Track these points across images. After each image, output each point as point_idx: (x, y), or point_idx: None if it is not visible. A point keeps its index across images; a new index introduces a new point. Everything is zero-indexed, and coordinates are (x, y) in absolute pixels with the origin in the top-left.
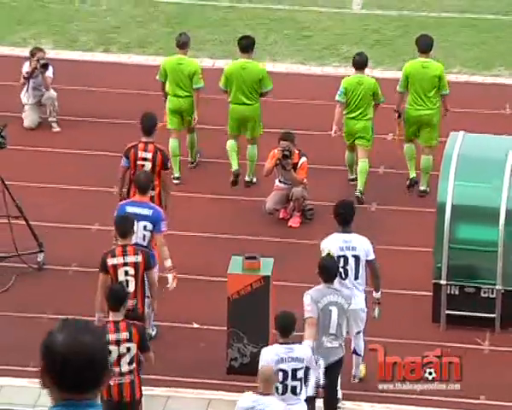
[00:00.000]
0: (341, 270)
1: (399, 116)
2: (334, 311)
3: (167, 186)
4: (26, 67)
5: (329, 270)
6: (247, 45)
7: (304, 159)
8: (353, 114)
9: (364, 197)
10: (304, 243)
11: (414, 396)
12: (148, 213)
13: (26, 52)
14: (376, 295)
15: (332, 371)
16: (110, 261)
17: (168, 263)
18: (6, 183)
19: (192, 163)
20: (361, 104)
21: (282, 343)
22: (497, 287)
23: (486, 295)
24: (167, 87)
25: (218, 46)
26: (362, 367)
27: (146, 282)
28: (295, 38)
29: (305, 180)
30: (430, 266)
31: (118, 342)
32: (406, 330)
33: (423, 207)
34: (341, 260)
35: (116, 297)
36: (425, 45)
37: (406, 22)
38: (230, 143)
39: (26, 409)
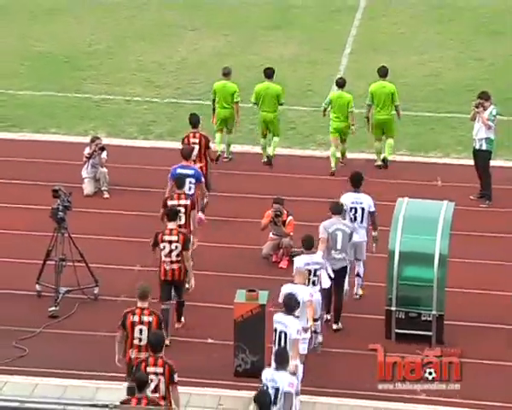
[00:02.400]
0: (352, 216)
1: (368, 120)
2: (340, 234)
3: (211, 158)
4: (87, 150)
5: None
6: (270, 73)
7: (290, 217)
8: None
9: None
10: (290, 279)
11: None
12: (191, 172)
13: (87, 139)
14: (374, 233)
15: (339, 274)
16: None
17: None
18: (72, 235)
19: (227, 157)
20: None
21: (306, 254)
22: (432, 312)
23: (425, 318)
24: (216, 102)
25: None
26: (360, 289)
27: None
28: (284, 129)
29: (291, 233)
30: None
31: (170, 242)
32: (364, 343)
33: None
34: (353, 209)
35: None
36: (383, 73)
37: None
38: (262, 140)
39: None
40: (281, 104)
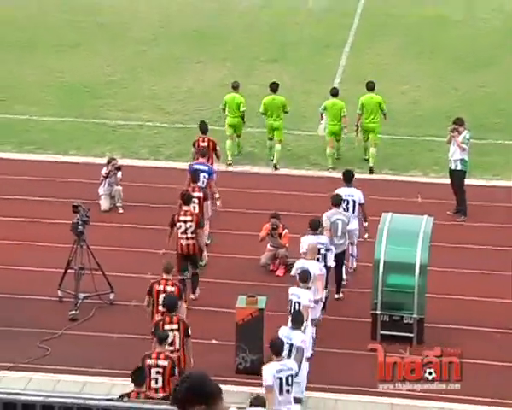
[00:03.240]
0: (345, 207)
1: (357, 128)
2: (340, 223)
3: (217, 156)
4: (104, 170)
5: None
6: (275, 87)
7: (286, 230)
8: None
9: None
10: (286, 286)
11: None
12: (205, 168)
13: (103, 161)
14: (365, 224)
15: (340, 257)
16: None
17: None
18: (90, 247)
19: (238, 153)
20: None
21: (313, 234)
22: (414, 316)
23: (407, 321)
24: (226, 111)
25: None
26: (355, 263)
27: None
28: (281, 152)
29: (287, 245)
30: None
31: (185, 222)
32: (354, 344)
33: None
34: (345, 202)
35: None
36: (370, 87)
37: (350, 159)
38: (268, 143)
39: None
40: (286, 112)
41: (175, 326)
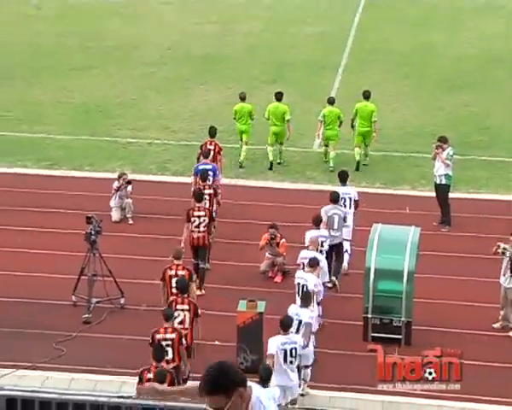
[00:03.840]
0: (343, 204)
1: (353, 128)
2: (336, 217)
3: (221, 160)
4: (116, 184)
5: (335, 195)
6: (279, 97)
7: (283, 240)
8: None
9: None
10: (283, 291)
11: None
12: (210, 167)
13: (115, 175)
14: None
15: (338, 248)
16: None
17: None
18: (102, 255)
19: (279, 163)
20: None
21: (315, 229)
22: (402, 319)
23: (396, 324)
24: (236, 120)
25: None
26: (347, 264)
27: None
28: (278, 166)
29: (284, 253)
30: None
31: (199, 217)
32: (347, 345)
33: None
34: (343, 199)
35: None
36: (366, 95)
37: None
38: (271, 148)
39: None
40: (287, 120)
41: (186, 307)
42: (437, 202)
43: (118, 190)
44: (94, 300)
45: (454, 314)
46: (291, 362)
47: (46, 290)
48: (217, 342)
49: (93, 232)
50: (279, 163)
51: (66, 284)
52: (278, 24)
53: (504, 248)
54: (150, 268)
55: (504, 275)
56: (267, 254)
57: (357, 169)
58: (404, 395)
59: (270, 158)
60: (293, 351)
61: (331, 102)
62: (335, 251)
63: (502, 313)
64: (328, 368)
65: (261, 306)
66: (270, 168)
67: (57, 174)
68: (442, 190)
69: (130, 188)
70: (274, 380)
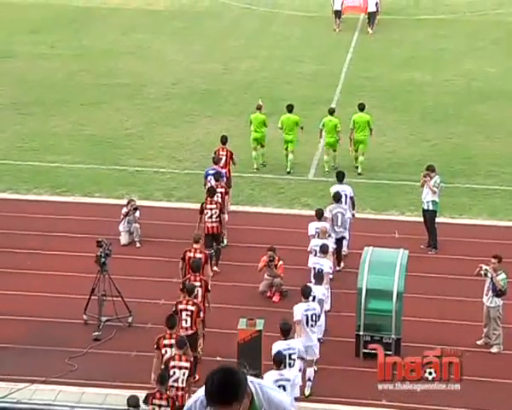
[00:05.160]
0: (342, 199)
1: (351, 140)
2: (340, 215)
3: (233, 162)
4: (124, 210)
5: (337, 195)
6: (290, 108)
7: (281, 262)
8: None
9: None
10: (281, 310)
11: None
12: (220, 171)
13: (123, 202)
14: (353, 211)
15: (340, 242)
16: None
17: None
18: (111, 276)
19: (262, 164)
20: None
21: (317, 221)
22: (392, 336)
23: (386, 341)
24: (251, 128)
25: None
26: (346, 249)
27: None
28: (276, 193)
29: (282, 274)
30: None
31: (211, 209)
32: (340, 361)
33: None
34: (340, 195)
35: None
36: (361, 107)
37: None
38: (285, 152)
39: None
40: (301, 128)
41: (198, 283)
42: (424, 227)
43: (126, 215)
44: (103, 318)
45: (440, 331)
46: (312, 325)
47: (59, 310)
48: (218, 358)
49: (103, 255)
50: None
51: (77, 303)
52: (275, 63)
53: (486, 270)
54: (156, 289)
55: (487, 295)
56: (266, 276)
57: (360, 173)
58: (396, 409)
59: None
60: (314, 316)
61: (331, 112)
62: (338, 244)
63: (485, 330)
64: (322, 382)
65: (260, 324)
66: (288, 173)
67: (70, 200)
68: (429, 216)
69: (137, 213)
70: (300, 340)
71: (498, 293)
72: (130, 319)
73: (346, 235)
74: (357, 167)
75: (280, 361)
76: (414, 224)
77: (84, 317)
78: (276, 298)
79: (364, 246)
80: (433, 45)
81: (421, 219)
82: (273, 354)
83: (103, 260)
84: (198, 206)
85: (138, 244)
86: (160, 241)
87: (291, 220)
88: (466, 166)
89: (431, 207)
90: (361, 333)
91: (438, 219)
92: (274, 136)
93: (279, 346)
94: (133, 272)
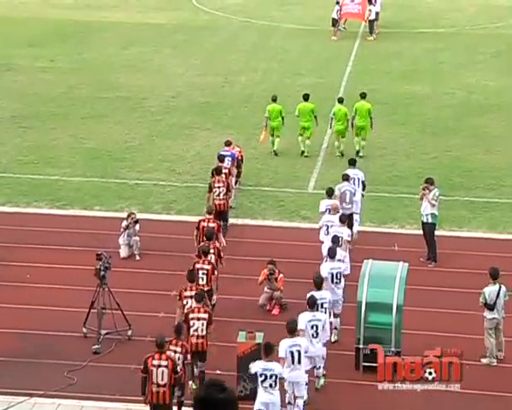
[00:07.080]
0: (353, 182)
1: (352, 126)
2: (348, 192)
3: (238, 165)
4: (124, 223)
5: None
6: (306, 97)
7: (281, 275)
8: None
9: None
10: (281, 323)
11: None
12: (229, 153)
13: (123, 215)
14: (363, 192)
15: (349, 218)
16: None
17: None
18: (111, 289)
19: (302, 152)
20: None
21: (327, 199)
22: (392, 349)
23: (386, 354)
24: (268, 118)
25: None
26: (356, 230)
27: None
28: (276, 206)
29: (281, 287)
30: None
31: (219, 187)
32: (340, 373)
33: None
34: (352, 179)
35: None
36: (363, 96)
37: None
38: (300, 138)
39: None
40: (315, 116)
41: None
42: (424, 240)
43: (126, 228)
44: (103, 331)
45: (440, 345)
46: (336, 283)
47: (58, 323)
48: (218, 372)
49: (103, 268)
50: (302, 152)
51: (77, 316)
52: (274, 76)
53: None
54: (156, 302)
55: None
56: (266, 289)
57: (361, 157)
58: None
59: (302, 148)
60: (338, 274)
61: (340, 101)
62: (349, 218)
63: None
64: (322, 395)
65: (259, 337)
66: (302, 154)
67: (70, 213)
68: (428, 229)
69: (137, 227)
70: (326, 294)
71: (486, 306)
72: (129, 332)
73: (357, 217)
74: (358, 151)
75: (313, 303)
76: (413, 237)
77: (84, 330)
78: (275, 311)
79: (364, 259)
80: (433, 58)
81: (421, 232)
82: (307, 298)
83: (103, 273)
84: (197, 219)
85: (138, 257)
86: (159, 254)
87: (291, 233)
88: (465, 179)
89: (430, 220)
90: (361, 346)
91: (437, 232)
92: (269, 147)
93: (306, 317)
94: (133, 285)
